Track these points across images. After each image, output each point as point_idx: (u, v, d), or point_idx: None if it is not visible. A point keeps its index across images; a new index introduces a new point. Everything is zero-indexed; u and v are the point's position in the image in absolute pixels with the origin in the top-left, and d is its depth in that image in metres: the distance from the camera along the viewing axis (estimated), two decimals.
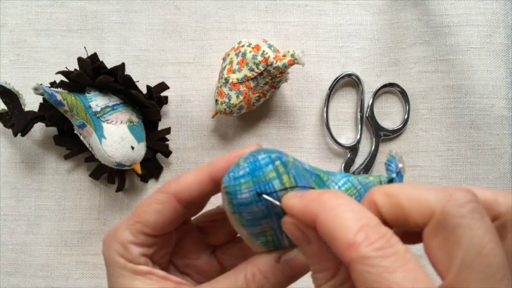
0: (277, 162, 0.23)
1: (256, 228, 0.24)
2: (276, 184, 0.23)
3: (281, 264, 0.25)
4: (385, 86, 0.51)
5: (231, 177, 0.23)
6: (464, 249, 0.18)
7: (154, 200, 0.27)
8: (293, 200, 0.22)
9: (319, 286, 0.21)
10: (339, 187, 0.25)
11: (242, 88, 0.46)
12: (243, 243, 0.30)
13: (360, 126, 0.51)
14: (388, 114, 0.52)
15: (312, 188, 0.24)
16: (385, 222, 0.21)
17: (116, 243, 0.26)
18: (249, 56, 0.46)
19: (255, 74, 0.46)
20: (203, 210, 0.30)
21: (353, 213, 0.19)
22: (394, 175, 0.26)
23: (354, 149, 0.51)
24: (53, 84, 0.48)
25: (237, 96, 0.46)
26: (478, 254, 0.17)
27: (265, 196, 0.23)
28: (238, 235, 0.31)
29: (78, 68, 0.46)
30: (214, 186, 0.26)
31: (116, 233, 0.27)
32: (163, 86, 0.50)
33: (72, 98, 0.45)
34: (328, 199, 0.20)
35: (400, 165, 0.27)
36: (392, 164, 0.27)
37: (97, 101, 0.46)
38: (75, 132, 0.47)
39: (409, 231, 0.21)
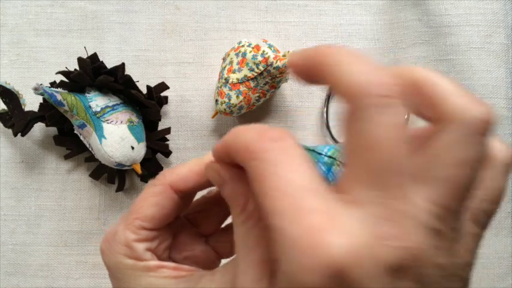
0: None
1: None
2: None
3: None
4: None
5: None
6: (358, 141, 0.19)
7: (151, 193, 0.27)
8: (218, 143, 0.22)
9: (235, 221, 0.21)
10: (325, 153, 0.26)
11: (242, 88, 0.46)
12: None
13: None
14: None
15: None
16: None
17: (119, 246, 0.26)
18: (249, 56, 0.46)
19: (255, 74, 0.46)
20: None
21: (251, 127, 0.20)
22: None
23: None
24: (53, 84, 0.48)
25: (237, 96, 0.46)
26: (371, 148, 0.19)
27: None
28: (230, 221, 0.31)
29: (78, 68, 0.46)
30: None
31: (116, 237, 0.26)
32: (163, 86, 0.50)
33: (72, 98, 0.45)
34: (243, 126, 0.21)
35: None
36: None
37: (97, 101, 0.46)
38: (75, 132, 0.47)
39: None
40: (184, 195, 0.27)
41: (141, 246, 0.26)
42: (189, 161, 0.27)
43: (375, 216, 0.17)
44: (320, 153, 0.26)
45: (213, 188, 0.29)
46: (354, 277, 0.15)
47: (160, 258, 0.27)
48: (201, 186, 0.27)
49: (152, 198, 0.26)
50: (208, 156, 0.26)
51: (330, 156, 0.26)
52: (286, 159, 0.18)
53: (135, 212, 0.26)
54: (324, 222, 0.16)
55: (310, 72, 0.20)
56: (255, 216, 0.21)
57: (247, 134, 0.19)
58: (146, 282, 0.25)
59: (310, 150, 0.26)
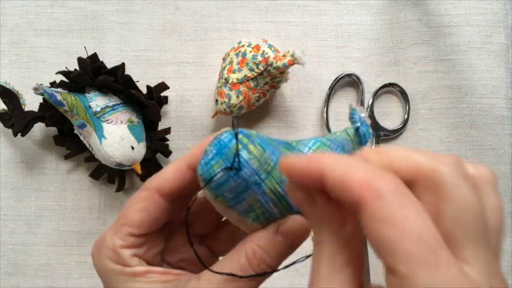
0: (240, 136, 0.24)
1: (242, 204, 0.24)
2: (244, 154, 0.24)
3: (279, 236, 0.25)
4: (385, 86, 0.51)
5: (202, 164, 0.24)
6: (454, 203, 0.19)
7: (137, 199, 0.27)
8: (291, 160, 0.21)
9: (321, 240, 0.21)
10: (309, 147, 0.26)
11: (242, 88, 0.46)
12: (229, 226, 0.30)
13: None
14: (388, 114, 0.52)
15: (281, 152, 0.25)
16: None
17: (106, 251, 0.26)
18: (249, 56, 0.46)
19: (255, 74, 0.46)
20: None
21: (359, 161, 0.20)
22: (358, 124, 0.28)
23: None
24: (53, 84, 0.48)
25: (237, 96, 0.46)
26: (467, 208, 0.19)
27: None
28: (223, 219, 0.31)
29: (78, 68, 0.46)
30: (193, 174, 0.26)
31: (104, 242, 0.27)
32: (163, 86, 0.50)
33: (72, 98, 0.45)
34: (331, 155, 0.20)
35: (363, 115, 0.29)
36: (355, 116, 0.29)
37: (97, 101, 0.46)
38: (75, 132, 0.47)
39: None
40: (173, 198, 0.27)
41: (127, 253, 0.26)
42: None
43: (485, 277, 0.18)
44: (302, 151, 0.26)
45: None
46: None
47: (151, 263, 0.27)
48: (186, 186, 0.27)
49: (138, 204, 0.27)
50: (191, 151, 0.26)
51: (314, 150, 0.26)
52: (413, 205, 0.18)
53: (123, 218, 0.27)
54: (460, 278, 0.17)
55: (310, 181, 0.20)
56: (350, 239, 0.21)
57: (360, 171, 0.19)
58: (133, 287, 0.25)
59: (292, 147, 0.26)
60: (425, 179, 0.20)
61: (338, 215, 0.21)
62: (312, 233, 0.22)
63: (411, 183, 0.20)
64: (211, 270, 0.25)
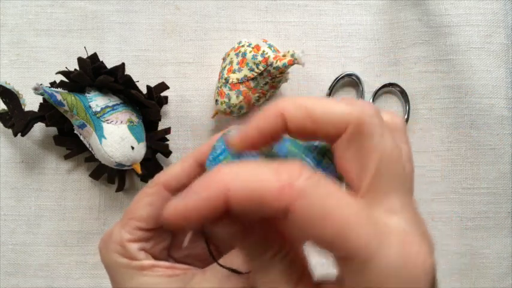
0: None
1: None
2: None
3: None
4: (385, 86, 0.51)
5: (210, 159, 0.24)
6: (380, 154, 0.19)
7: (145, 194, 0.27)
8: (177, 202, 0.18)
9: (268, 266, 0.20)
10: (316, 145, 0.26)
11: (242, 88, 0.46)
12: None
13: None
14: None
15: (288, 150, 0.25)
16: (290, 134, 0.21)
17: (114, 245, 0.26)
18: (249, 56, 0.46)
19: (255, 74, 0.46)
20: None
21: (267, 167, 0.18)
22: None
23: None
24: (53, 84, 0.48)
25: (237, 96, 0.46)
26: (391, 158, 0.19)
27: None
28: None
29: (78, 68, 0.46)
30: (201, 170, 0.27)
31: (112, 236, 0.27)
32: (163, 86, 0.50)
33: (72, 98, 0.45)
34: (225, 171, 0.18)
35: None
36: None
37: (97, 101, 0.46)
38: (75, 132, 0.47)
39: None
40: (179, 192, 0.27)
41: (134, 246, 0.26)
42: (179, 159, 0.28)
43: (414, 223, 0.19)
44: (309, 151, 0.26)
45: None
46: (434, 276, 0.18)
47: (158, 258, 0.28)
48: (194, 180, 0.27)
49: (146, 199, 0.27)
50: (200, 148, 0.27)
51: (320, 149, 0.26)
52: (338, 192, 0.17)
53: (130, 213, 0.27)
54: (402, 241, 0.17)
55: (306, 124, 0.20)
56: (293, 250, 0.20)
57: (269, 179, 0.17)
58: (140, 281, 0.26)
59: (299, 145, 0.26)
60: (351, 132, 0.19)
61: (275, 231, 0.20)
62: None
63: (335, 137, 0.20)
64: (221, 265, 0.25)
